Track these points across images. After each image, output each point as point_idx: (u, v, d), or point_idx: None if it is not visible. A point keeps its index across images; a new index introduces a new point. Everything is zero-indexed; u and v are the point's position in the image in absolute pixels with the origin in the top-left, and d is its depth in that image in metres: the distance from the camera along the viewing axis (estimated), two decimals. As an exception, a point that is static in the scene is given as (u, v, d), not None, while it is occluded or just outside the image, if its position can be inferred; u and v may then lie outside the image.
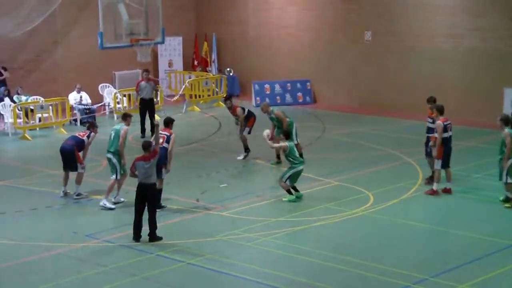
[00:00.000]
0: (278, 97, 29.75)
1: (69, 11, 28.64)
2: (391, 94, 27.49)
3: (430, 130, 17.84)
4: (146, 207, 14.46)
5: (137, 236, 14.46)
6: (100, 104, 27.45)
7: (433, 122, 17.55)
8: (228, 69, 31.74)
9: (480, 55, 25.57)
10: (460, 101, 25.83)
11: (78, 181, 17.41)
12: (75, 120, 26.04)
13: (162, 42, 25.95)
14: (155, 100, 24.86)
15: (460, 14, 25.90)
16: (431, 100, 18.23)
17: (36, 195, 17.80)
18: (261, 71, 31.09)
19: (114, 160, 16.72)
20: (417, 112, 26.29)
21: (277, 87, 29.87)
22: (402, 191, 17.48)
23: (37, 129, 24.97)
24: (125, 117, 17.45)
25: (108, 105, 27.65)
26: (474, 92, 25.51)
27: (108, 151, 16.83)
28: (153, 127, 15.56)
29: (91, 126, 18.05)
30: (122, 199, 16.99)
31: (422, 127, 24.58)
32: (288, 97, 29.76)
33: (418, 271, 12.91)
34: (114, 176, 16.67)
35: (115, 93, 27.06)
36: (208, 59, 32.20)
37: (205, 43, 32.12)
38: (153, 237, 14.45)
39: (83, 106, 26.32)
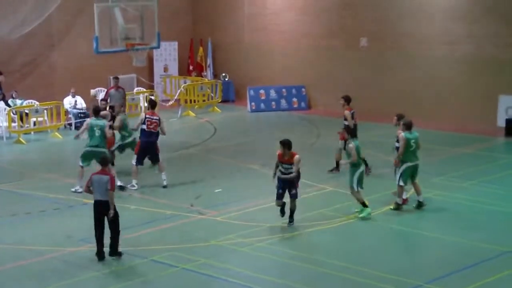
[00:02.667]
0: (273, 103, 29.76)
1: (65, 15, 28.62)
2: (387, 100, 27.50)
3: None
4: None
5: (100, 255, 13.67)
6: (95, 109, 27.38)
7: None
8: (223, 74, 31.76)
9: (476, 61, 25.62)
10: (455, 107, 25.89)
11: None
12: (70, 125, 26.01)
13: (158, 47, 25.94)
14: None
15: (456, 20, 25.95)
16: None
17: (30, 199, 17.77)
18: (257, 76, 31.11)
19: None
20: (413, 118, 26.26)
21: (272, 93, 29.89)
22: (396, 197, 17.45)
23: (32, 133, 24.94)
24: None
25: (103, 110, 27.61)
26: (470, 99, 25.55)
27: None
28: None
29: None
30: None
31: (418, 134, 24.66)
32: (283, 102, 29.79)
33: (412, 277, 12.91)
34: None
35: (110, 98, 27.01)
36: (204, 64, 32.21)
37: (201, 48, 32.14)
38: (114, 253, 13.74)
39: (77, 111, 26.30)
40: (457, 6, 25.87)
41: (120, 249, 13.73)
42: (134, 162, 18.35)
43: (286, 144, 15.21)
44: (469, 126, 24.99)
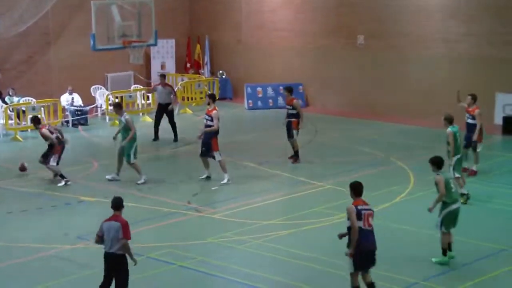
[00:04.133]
0: (270, 100, 29.76)
1: (62, 12, 28.59)
2: (384, 98, 27.51)
3: (469, 126, 18.81)
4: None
5: None
6: (92, 106, 27.40)
7: (473, 118, 18.78)
8: (220, 71, 31.74)
9: (473, 60, 25.62)
10: (453, 105, 25.85)
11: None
12: (67, 122, 25.99)
13: (155, 44, 25.96)
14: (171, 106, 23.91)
15: (453, 19, 25.94)
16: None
17: (27, 197, 17.76)
18: (254, 74, 31.09)
19: None
20: (410, 116, 26.37)
21: (270, 90, 29.89)
22: (393, 195, 17.50)
23: (29, 130, 24.90)
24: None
25: (100, 107, 27.62)
26: (467, 97, 25.49)
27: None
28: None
29: None
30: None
31: (414, 132, 24.78)
32: (280, 100, 29.75)
33: (409, 275, 12.93)
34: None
35: (108, 95, 27.01)
36: (201, 62, 32.19)
37: (198, 46, 32.12)
38: None
39: (75, 108, 26.28)
40: (454, 4, 25.87)
41: None
42: (220, 157, 18.42)
43: None
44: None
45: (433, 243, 14.62)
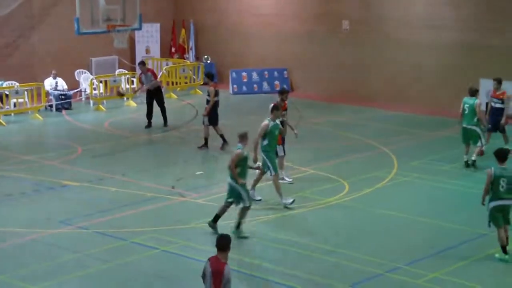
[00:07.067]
0: (255, 85, 29.72)
1: (46, -4, 28.40)
2: (369, 83, 27.54)
3: (496, 111, 19.47)
4: None
5: None
6: (76, 90, 27.27)
7: (502, 103, 19.44)
8: (205, 56, 31.61)
9: (458, 46, 25.66)
10: (437, 91, 25.96)
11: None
12: (51, 106, 25.85)
13: (140, 29, 25.83)
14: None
15: (439, 5, 25.96)
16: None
17: (10, 181, 17.67)
18: (239, 59, 31.02)
19: (265, 156, 15.81)
20: (395, 101, 26.42)
21: (255, 75, 29.85)
22: (377, 180, 17.55)
23: (12, 114, 24.76)
24: (273, 109, 16.05)
25: (84, 91, 27.49)
26: (451, 83, 25.60)
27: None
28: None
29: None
30: (258, 197, 15.95)
31: (399, 117, 24.84)
32: (265, 85, 29.75)
33: (392, 259, 12.99)
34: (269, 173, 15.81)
35: (92, 79, 26.88)
36: (186, 46, 32.07)
37: (183, 30, 31.98)
38: None
39: (58, 92, 26.14)
40: (440, -11, 25.91)
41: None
42: (282, 153, 17.42)
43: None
44: (451, 109, 25.05)
45: (416, 228, 14.71)
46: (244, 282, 12.18)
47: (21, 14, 27.66)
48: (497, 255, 13.10)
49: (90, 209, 15.56)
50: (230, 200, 14.11)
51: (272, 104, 16.16)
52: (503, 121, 19.28)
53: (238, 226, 14.06)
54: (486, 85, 24.48)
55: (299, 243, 13.69)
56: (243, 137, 14.26)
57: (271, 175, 15.81)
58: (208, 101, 20.28)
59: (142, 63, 24.01)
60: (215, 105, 20.40)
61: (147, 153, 20.68)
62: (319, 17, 28.79)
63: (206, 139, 20.51)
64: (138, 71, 24.40)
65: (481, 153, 18.72)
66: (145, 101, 23.53)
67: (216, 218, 14.18)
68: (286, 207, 15.59)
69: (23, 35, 28.51)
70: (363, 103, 26.75)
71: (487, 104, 20.84)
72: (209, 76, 20.95)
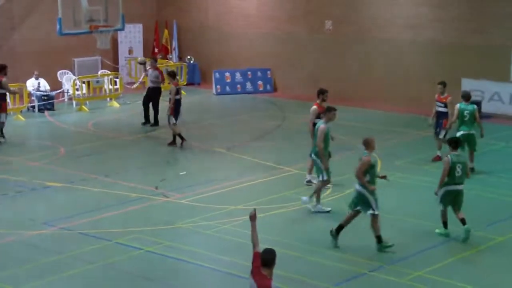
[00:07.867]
0: (238, 86, 29.72)
1: (27, -3, 28.27)
2: (351, 83, 27.61)
3: (441, 114, 19.20)
4: None
5: None
6: (59, 91, 27.15)
7: (445, 106, 19.19)
8: (188, 57, 31.60)
9: (439, 45, 25.80)
10: (419, 90, 26.05)
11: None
12: (33, 107, 25.73)
13: (122, 29, 25.79)
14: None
15: (421, 5, 26.08)
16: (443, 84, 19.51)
17: (-8, 182, 17.58)
18: (222, 59, 31.01)
19: (317, 162, 15.54)
20: (377, 101, 26.49)
21: (238, 76, 29.84)
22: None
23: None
24: (326, 111, 15.81)
25: (67, 92, 27.38)
26: (433, 82, 25.67)
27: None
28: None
29: None
30: (327, 209, 15.50)
31: (381, 116, 24.92)
32: (248, 85, 29.75)
33: (376, 259, 13.02)
34: (320, 177, 15.50)
35: (74, 80, 26.78)
36: (169, 47, 32.02)
37: (166, 31, 31.93)
38: None
39: (41, 93, 26.03)
40: (422, -11, 26.02)
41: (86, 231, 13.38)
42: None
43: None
44: (432, 108, 25.16)
45: (399, 227, 14.75)
46: (232, 283, 12.16)
47: (1, 15, 27.52)
48: (437, 230, 14.12)
49: (73, 210, 15.50)
50: (357, 208, 13.59)
51: (326, 106, 16.16)
52: (448, 124, 18.95)
53: (379, 239, 13.43)
54: (467, 85, 24.67)
55: (282, 243, 13.68)
56: (369, 144, 13.52)
57: (322, 179, 15.41)
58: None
59: (155, 60, 24.59)
60: (178, 103, 20.44)
61: (130, 154, 20.61)
62: (302, 17, 28.84)
63: (180, 135, 20.62)
64: (147, 65, 24.49)
65: (437, 158, 18.91)
66: (141, 101, 23.74)
67: (340, 228, 13.60)
68: (315, 211, 15.34)
69: (4, 36, 28.39)
70: (346, 103, 26.78)
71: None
72: (171, 75, 21.19)
